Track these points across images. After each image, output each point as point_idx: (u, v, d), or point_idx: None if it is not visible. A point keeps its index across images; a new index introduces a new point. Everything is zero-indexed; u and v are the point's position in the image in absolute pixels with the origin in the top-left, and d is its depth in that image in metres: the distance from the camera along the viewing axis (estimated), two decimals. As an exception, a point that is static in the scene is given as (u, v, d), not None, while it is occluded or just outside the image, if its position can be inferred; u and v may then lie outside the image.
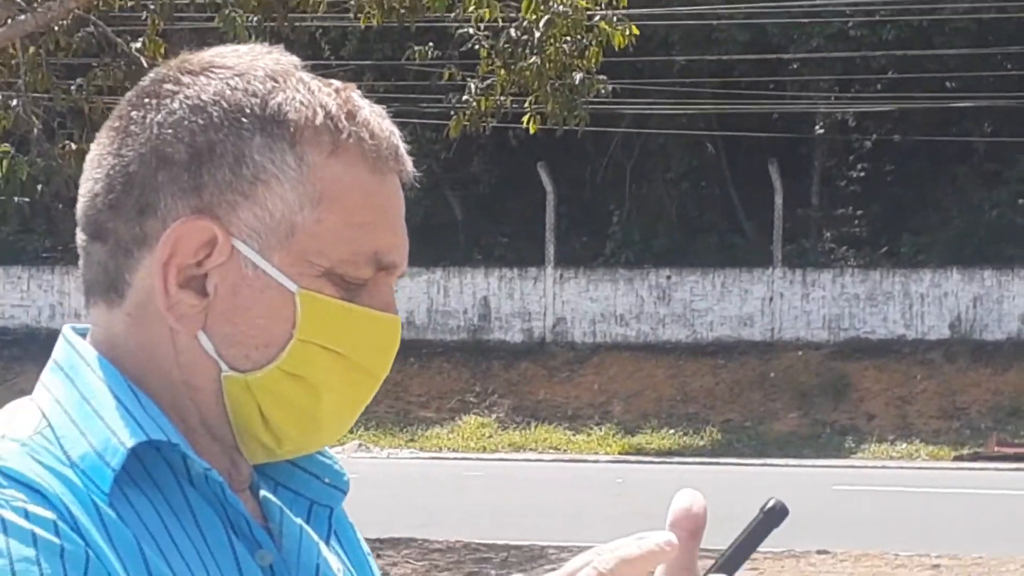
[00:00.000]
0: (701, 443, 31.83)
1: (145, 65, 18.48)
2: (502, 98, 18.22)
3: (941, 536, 19.45)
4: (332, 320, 1.89)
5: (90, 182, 1.94)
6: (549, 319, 35.80)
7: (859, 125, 40.33)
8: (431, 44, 20.45)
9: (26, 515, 1.73)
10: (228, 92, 1.89)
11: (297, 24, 19.33)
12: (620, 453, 31.07)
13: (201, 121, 1.87)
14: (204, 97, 1.89)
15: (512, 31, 18.26)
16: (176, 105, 1.89)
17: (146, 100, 1.92)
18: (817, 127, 39.57)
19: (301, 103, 1.90)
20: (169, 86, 1.91)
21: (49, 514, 1.74)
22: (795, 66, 38.88)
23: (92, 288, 1.94)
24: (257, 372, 1.89)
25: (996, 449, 29.78)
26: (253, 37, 16.24)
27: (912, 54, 35.97)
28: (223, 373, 1.89)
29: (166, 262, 1.86)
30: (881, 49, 36.53)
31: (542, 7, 17.78)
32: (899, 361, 33.83)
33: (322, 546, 2.02)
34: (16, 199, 18.43)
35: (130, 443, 1.82)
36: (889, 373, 33.61)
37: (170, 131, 1.88)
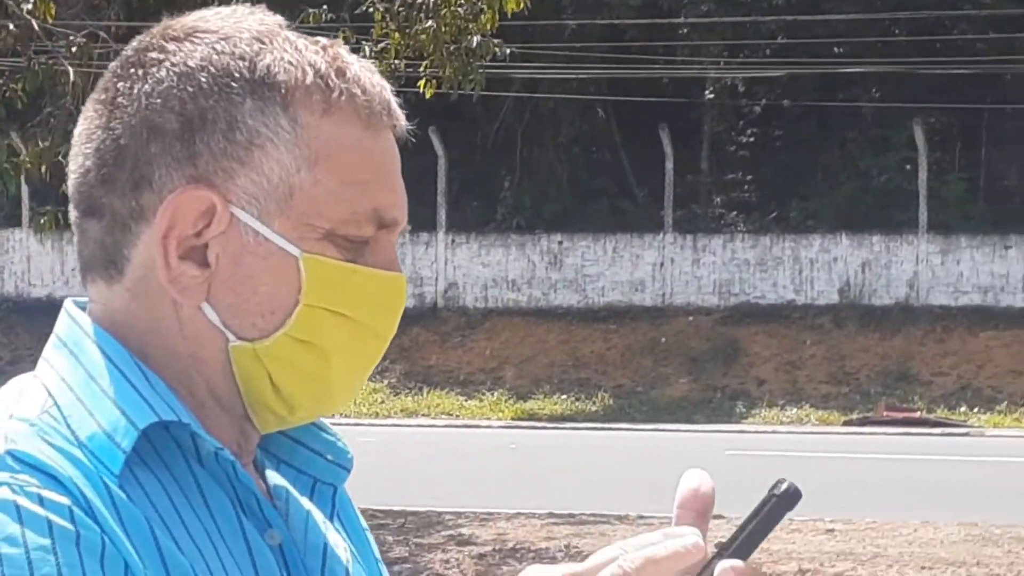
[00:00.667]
0: (593, 408, 31.96)
1: (36, 27, 18.29)
2: (396, 62, 18.12)
3: (834, 501, 19.55)
4: (337, 282, 1.87)
5: (80, 157, 1.90)
6: (441, 284, 35.78)
7: (748, 90, 40.50)
8: (325, 7, 20.30)
9: (40, 501, 1.71)
10: (215, 57, 1.87)
11: (189, -14, 19.09)
12: (513, 419, 31.16)
13: (190, 88, 1.85)
14: (191, 63, 1.87)
15: (407, -6, 18.24)
16: (163, 74, 1.87)
17: (131, 70, 1.89)
18: (707, 92, 39.74)
19: (290, 63, 1.88)
20: (154, 54, 1.89)
21: (63, 499, 1.72)
22: (685, 31, 39.06)
23: (90, 265, 1.91)
24: (265, 340, 1.87)
25: (885, 414, 30.02)
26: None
27: (801, 19, 36.17)
28: (230, 343, 1.88)
29: (165, 234, 1.84)
30: (771, 14, 36.74)
31: (438, -29, 17.80)
32: (789, 326, 34.05)
33: (327, 525, 2.01)
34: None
35: (141, 424, 1.80)
36: (779, 338, 33.84)
37: (159, 100, 1.86)
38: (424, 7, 18.10)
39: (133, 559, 1.75)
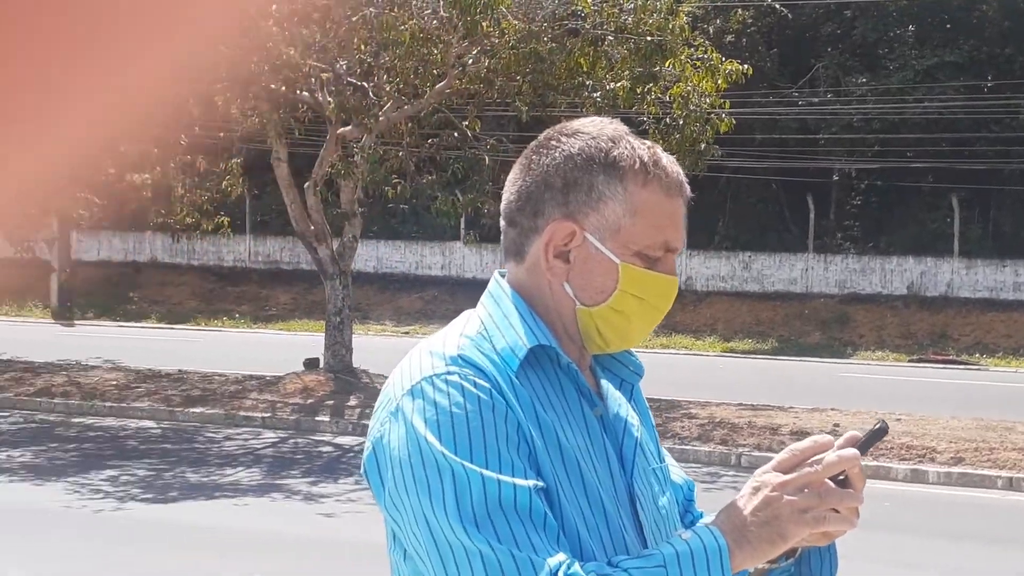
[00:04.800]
0: (765, 347, 31.16)
1: (468, 134, 18.54)
2: (661, 157, 18.06)
3: (900, 405, 18.89)
4: (639, 280, 1.89)
5: (508, 194, 1.94)
6: (682, 277, 35.06)
7: None
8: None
9: (474, 384, 1.78)
10: (586, 148, 1.88)
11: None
12: (720, 351, 30.43)
13: (570, 164, 1.88)
14: (572, 150, 1.88)
15: (667, 119, 18.21)
16: (557, 154, 1.89)
17: (540, 149, 1.91)
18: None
19: (628, 155, 1.88)
20: (553, 142, 1.91)
21: (486, 384, 1.79)
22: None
23: (507, 253, 1.95)
24: (595, 307, 1.90)
25: (932, 355, 28.90)
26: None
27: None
28: (576, 306, 1.91)
29: (547, 243, 1.89)
30: None
31: (684, 108, 17.85)
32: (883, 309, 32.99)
33: (627, 407, 2.03)
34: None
35: (529, 344, 1.86)
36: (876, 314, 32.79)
37: (552, 169, 1.89)
38: (675, 127, 18.11)
39: (523, 420, 1.79)
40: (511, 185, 1.93)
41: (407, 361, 1.84)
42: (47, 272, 29.68)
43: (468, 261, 35.84)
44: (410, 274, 36.33)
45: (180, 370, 20.33)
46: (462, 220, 27.04)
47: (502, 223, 1.95)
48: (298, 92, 17.89)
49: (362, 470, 1.86)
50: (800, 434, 15.82)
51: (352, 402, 17.99)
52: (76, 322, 31.42)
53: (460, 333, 1.86)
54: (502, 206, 1.95)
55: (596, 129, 1.89)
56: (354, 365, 19.44)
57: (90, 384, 19.24)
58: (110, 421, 17.62)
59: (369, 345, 23.74)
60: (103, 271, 36.13)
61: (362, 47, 17.74)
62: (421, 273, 36.23)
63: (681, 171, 1.93)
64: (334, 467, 14.72)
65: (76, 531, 11.39)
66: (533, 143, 1.93)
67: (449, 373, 1.78)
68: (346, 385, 18.67)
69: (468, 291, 33.62)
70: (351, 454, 15.50)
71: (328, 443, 16.28)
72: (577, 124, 1.92)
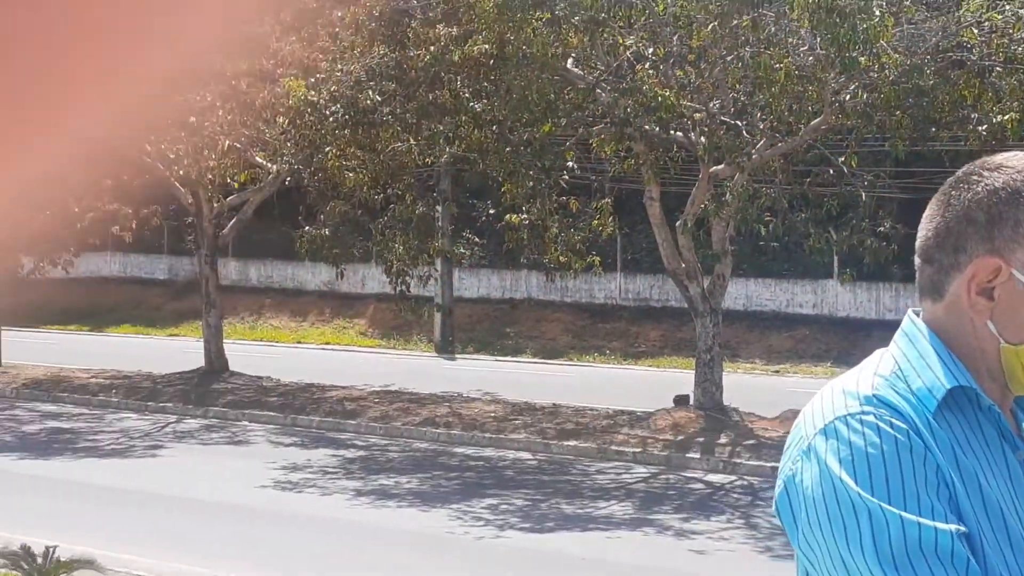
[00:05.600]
0: None
1: (845, 171, 18.14)
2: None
3: None
4: None
5: (924, 231, 1.89)
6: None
7: None
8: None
9: (890, 425, 1.75)
10: (1011, 182, 1.82)
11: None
12: None
13: (995, 199, 1.82)
14: (996, 184, 1.83)
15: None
16: (979, 188, 1.84)
17: (960, 184, 1.86)
18: None
19: None
20: (975, 177, 1.85)
21: (903, 425, 1.75)
22: None
23: (923, 291, 1.90)
24: (1021, 345, 1.82)
25: None
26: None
27: None
28: (1001, 344, 1.83)
29: (969, 280, 1.83)
30: None
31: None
32: None
33: None
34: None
35: (948, 385, 1.80)
36: None
37: (975, 204, 1.83)
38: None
39: (942, 463, 1.75)
40: (927, 222, 1.88)
41: (819, 399, 1.82)
42: (432, 308, 31.26)
43: (841, 300, 34.89)
44: (780, 312, 35.72)
45: (554, 404, 20.88)
46: (835, 257, 26.44)
47: (917, 261, 1.90)
48: (671, 132, 18.08)
49: (774, 508, 1.87)
50: None
51: (723, 440, 17.89)
52: (457, 356, 32.95)
53: (874, 372, 1.82)
54: (917, 243, 1.90)
55: (1021, 163, 1.83)
56: (724, 403, 19.34)
57: (470, 415, 20.09)
58: (489, 451, 18.32)
59: (739, 383, 23.52)
60: (482, 308, 37.68)
61: (736, 86, 17.74)
62: (792, 311, 35.54)
63: None
64: (705, 504, 14.69)
65: (459, 556, 11.91)
66: (951, 179, 1.89)
67: (864, 413, 1.75)
68: (717, 423, 18.60)
69: (841, 331, 32.69)
70: (722, 492, 15.41)
71: (699, 480, 16.26)
72: (1000, 158, 1.86)
